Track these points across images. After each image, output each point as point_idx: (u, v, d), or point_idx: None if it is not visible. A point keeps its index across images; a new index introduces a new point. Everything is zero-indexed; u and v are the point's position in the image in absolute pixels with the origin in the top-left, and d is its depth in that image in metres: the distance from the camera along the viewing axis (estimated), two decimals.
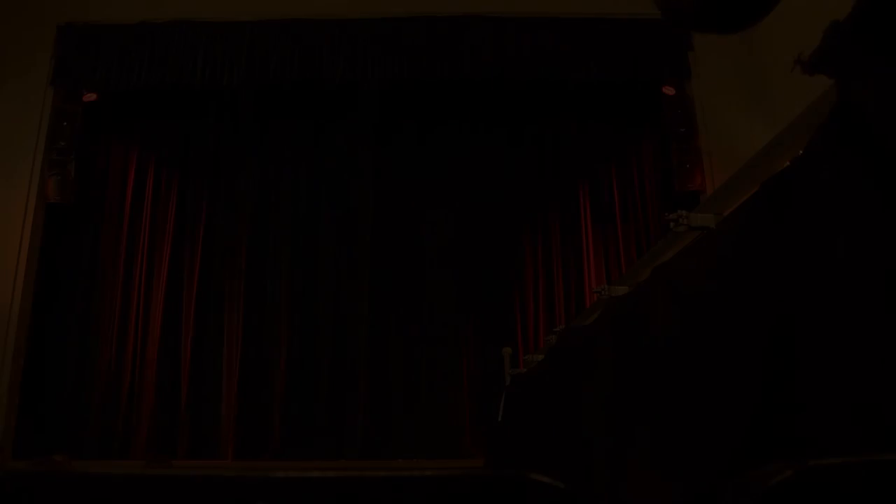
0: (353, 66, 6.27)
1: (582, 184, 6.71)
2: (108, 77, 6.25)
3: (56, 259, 6.29)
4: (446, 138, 6.79)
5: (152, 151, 6.78)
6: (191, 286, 6.42)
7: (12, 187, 6.17)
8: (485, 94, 6.70)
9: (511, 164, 6.76)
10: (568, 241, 6.58)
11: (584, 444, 1.65)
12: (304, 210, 6.62)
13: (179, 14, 6.41)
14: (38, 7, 6.53)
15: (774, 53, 4.63)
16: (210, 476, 0.52)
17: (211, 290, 6.43)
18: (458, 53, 6.28)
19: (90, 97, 6.46)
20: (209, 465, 5.56)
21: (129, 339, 6.28)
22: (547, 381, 2.45)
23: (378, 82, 6.41)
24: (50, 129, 6.23)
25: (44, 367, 6.02)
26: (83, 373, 6.17)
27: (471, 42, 6.30)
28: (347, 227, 6.55)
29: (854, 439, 0.78)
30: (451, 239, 6.54)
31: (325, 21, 6.38)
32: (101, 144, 6.71)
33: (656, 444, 1.23)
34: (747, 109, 5.79)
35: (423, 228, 6.59)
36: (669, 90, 6.34)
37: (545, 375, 2.55)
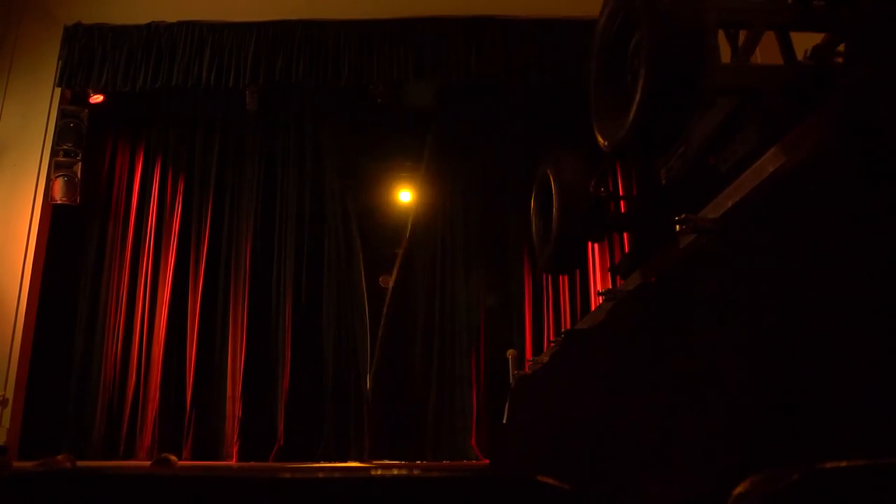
0: (358, 66, 6.27)
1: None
2: (114, 78, 6.27)
3: (62, 260, 6.30)
4: (451, 140, 6.78)
5: (158, 153, 6.80)
6: (196, 287, 6.43)
7: (19, 188, 6.19)
8: (489, 95, 6.70)
9: (517, 167, 6.75)
10: None
11: (588, 446, 1.65)
12: (309, 211, 6.63)
13: (185, 16, 6.43)
14: (46, 8, 6.55)
15: (777, 56, 4.61)
16: (217, 476, 0.52)
17: (216, 292, 6.44)
18: (464, 55, 6.27)
19: (97, 98, 6.48)
20: (214, 467, 5.56)
21: (135, 341, 6.29)
22: (551, 384, 2.44)
23: (384, 83, 6.41)
24: (56, 130, 6.24)
25: (49, 368, 6.04)
26: (89, 374, 6.18)
27: (476, 44, 6.30)
28: (353, 228, 6.55)
29: (860, 442, 0.77)
30: (458, 240, 6.54)
31: (329, 22, 6.38)
32: (108, 146, 6.73)
33: (663, 446, 1.23)
34: None
35: (428, 231, 6.59)
36: None
37: (549, 378, 2.55)
